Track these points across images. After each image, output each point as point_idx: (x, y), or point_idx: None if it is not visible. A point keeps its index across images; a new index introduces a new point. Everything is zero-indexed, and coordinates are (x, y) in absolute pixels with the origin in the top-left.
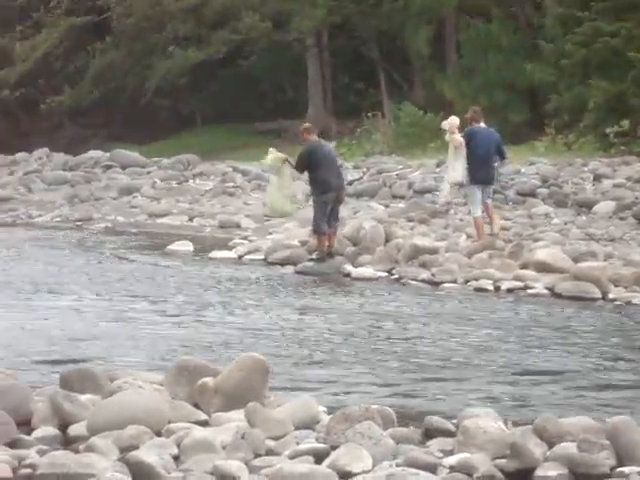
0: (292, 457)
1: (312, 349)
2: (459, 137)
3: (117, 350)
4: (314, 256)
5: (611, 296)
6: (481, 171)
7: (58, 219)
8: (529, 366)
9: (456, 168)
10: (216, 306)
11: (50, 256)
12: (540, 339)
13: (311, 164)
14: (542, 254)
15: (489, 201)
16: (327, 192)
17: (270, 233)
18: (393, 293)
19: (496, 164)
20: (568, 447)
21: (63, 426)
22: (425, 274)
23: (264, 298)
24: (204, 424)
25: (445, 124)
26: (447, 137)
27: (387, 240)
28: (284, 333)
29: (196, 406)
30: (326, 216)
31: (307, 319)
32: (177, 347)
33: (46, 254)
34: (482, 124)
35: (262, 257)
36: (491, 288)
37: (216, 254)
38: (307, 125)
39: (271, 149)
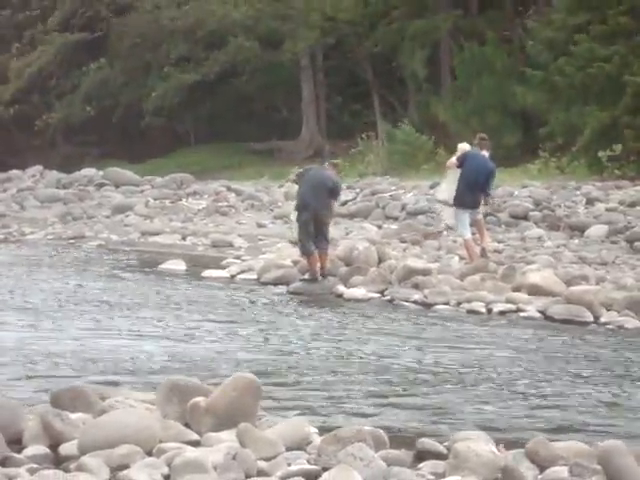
0: (283, 478)
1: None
2: (453, 159)
3: (113, 369)
4: (306, 276)
5: (603, 320)
6: (467, 195)
7: (51, 237)
8: (521, 389)
9: (441, 188)
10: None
11: (44, 275)
12: (530, 362)
13: (299, 183)
14: (534, 277)
15: (480, 216)
16: (302, 211)
17: (263, 252)
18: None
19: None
20: (560, 471)
21: (54, 445)
22: (417, 295)
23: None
24: (195, 444)
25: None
26: None
27: (380, 261)
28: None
29: (187, 426)
30: (310, 236)
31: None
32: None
33: (40, 273)
34: (485, 152)
35: (255, 277)
36: (483, 310)
37: (209, 273)
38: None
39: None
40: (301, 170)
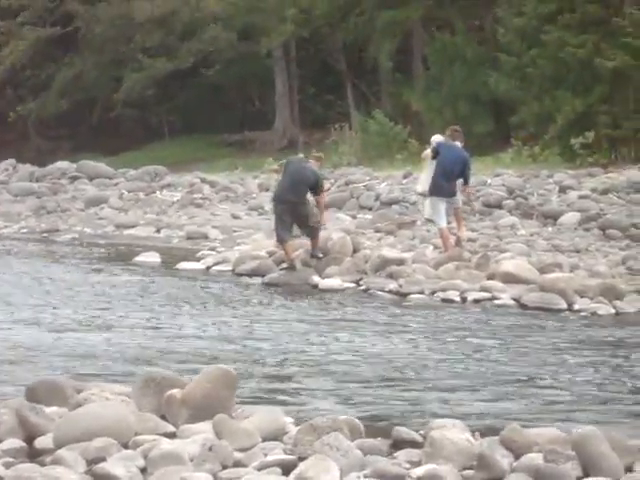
0: (259, 469)
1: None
2: (428, 151)
3: (89, 362)
4: (284, 265)
5: (577, 307)
6: (444, 184)
7: (24, 230)
8: (496, 376)
9: (419, 179)
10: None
11: (19, 267)
12: (504, 350)
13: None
14: (508, 265)
15: (459, 205)
16: (277, 203)
17: (238, 244)
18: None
19: (459, 186)
20: (534, 458)
21: (29, 438)
22: (392, 285)
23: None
24: (171, 436)
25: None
26: None
27: (355, 251)
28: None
29: (163, 418)
30: (285, 225)
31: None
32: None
33: (14, 265)
34: (458, 143)
35: (230, 268)
36: (458, 299)
37: (184, 265)
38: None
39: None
40: (284, 161)
